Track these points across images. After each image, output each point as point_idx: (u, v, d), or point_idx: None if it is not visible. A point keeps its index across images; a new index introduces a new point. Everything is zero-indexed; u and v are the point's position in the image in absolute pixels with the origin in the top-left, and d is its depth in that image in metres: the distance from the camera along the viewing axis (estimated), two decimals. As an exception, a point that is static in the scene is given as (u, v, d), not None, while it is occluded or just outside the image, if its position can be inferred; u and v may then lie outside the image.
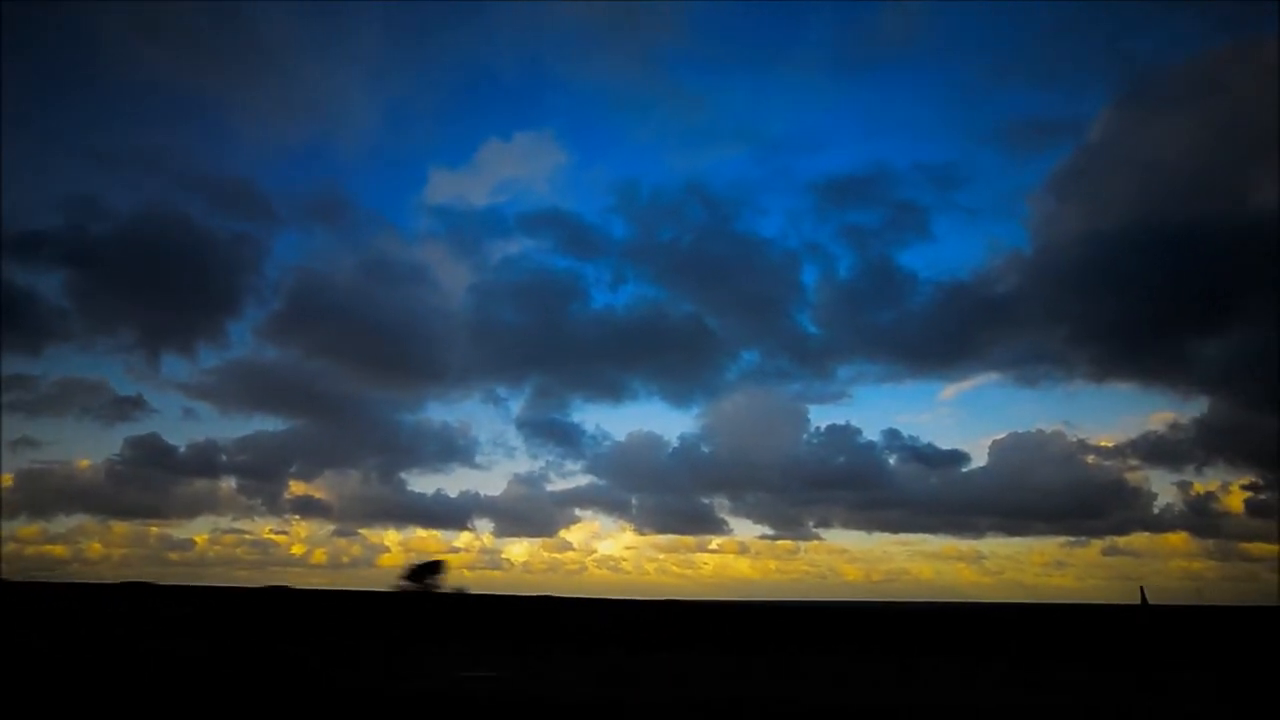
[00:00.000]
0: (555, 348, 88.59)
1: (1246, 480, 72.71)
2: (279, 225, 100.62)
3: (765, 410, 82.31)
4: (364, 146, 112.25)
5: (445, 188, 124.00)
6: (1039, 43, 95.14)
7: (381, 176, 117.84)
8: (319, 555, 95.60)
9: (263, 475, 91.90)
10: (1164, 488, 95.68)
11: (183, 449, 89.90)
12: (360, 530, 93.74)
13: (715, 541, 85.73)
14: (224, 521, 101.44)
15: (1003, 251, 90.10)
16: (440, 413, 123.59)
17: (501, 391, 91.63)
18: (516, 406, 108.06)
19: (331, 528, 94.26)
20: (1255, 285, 62.39)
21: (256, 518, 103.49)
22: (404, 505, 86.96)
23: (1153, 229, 65.10)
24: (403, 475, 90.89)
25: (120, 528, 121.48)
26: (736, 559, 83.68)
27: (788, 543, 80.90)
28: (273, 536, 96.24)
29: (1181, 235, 64.20)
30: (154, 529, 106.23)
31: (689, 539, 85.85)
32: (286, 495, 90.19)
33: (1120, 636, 31.20)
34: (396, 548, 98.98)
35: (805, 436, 79.08)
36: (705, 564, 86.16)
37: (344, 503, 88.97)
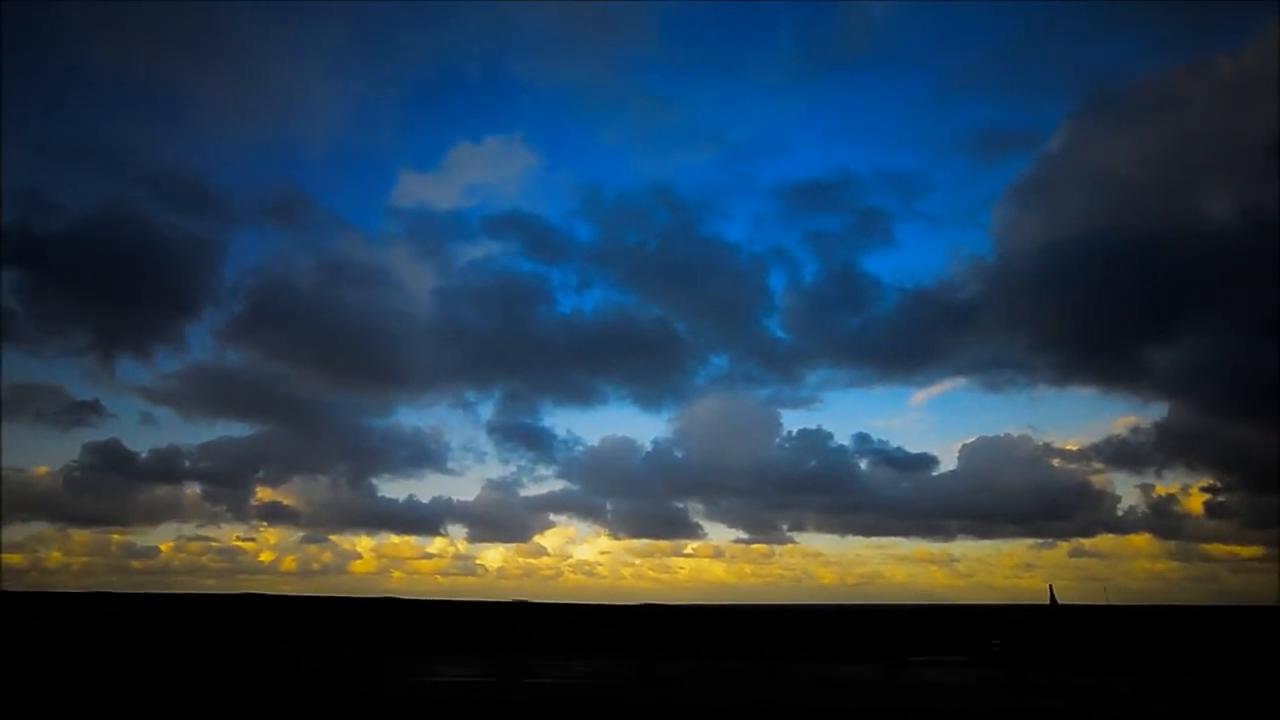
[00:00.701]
0: (523, 352, 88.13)
1: (1205, 483, 74.59)
2: (237, 225, 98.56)
3: (737, 415, 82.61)
4: (328, 147, 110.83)
5: (414, 190, 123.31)
6: (1000, 53, 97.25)
7: (347, 178, 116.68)
8: (289, 562, 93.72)
9: (228, 481, 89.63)
10: (1127, 490, 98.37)
11: (144, 455, 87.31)
12: (331, 536, 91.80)
13: (690, 546, 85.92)
14: (188, 529, 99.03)
15: (966, 259, 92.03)
16: (411, 418, 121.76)
17: (470, 396, 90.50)
18: (486, 411, 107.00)
19: (300, 534, 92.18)
20: (1207, 295, 64.47)
21: (222, 524, 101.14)
22: (375, 511, 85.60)
23: (1110, 239, 67.05)
24: (373, 481, 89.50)
25: (80, 536, 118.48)
26: (712, 563, 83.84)
27: (762, 546, 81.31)
28: (240, 543, 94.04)
29: (1138, 246, 66.25)
30: (116, 536, 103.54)
31: (664, 543, 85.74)
32: (253, 501, 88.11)
33: (1022, 636, 31.41)
34: (369, 554, 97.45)
35: (778, 441, 79.33)
36: (681, 568, 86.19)
37: (313, 509, 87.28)
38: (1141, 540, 71.55)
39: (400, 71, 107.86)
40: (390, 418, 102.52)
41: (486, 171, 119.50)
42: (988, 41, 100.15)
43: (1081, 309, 70.17)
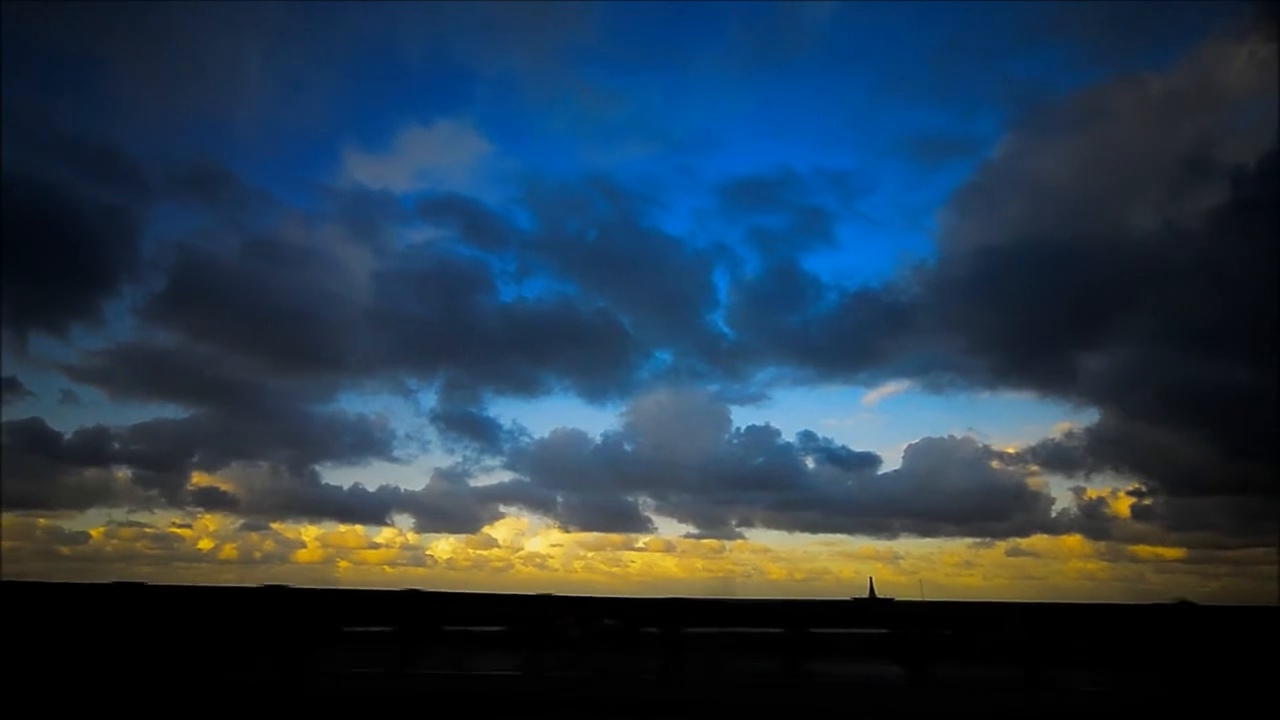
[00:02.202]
0: (464, 339, 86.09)
1: (1131, 487, 78.96)
2: (156, 198, 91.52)
3: (687, 410, 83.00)
4: (264, 124, 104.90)
5: (360, 171, 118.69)
6: (938, 60, 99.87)
7: (284, 156, 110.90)
8: (229, 550, 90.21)
9: (161, 465, 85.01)
10: (1061, 493, 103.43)
11: (69, 436, 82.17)
12: (272, 524, 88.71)
13: (642, 540, 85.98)
14: (119, 514, 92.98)
15: (911, 262, 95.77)
16: (355, 405, 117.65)
17: (411, 383, 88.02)
18: (428, 399, 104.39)
19: (240, 521, 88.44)
20: (1131, 304, 68.38)
21: (156, 510, 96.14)
22: (319, 499, 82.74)
23: (1046, 247, 70.28)
24: (316, 468, 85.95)
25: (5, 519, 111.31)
26: (664, 557, 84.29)
27: (713, 541, 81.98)
28: (177, 530, 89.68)
29: (1070, 255, 69.60)
30: (41, 520, 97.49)
31: (615, 537, 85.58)
32: (189, 486, 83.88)
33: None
34: (314, 543, 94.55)
35: (727, 437, 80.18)
36: (633, 562, 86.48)
37: (253, 495, 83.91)
38: (1074, 541, 75.43)
39: (344, 52, 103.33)
40: (333, 404, 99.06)
41: (435, 156, 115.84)
42: (925, 47, 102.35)
43: (1019, 316, 73.27)
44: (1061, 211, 74.98)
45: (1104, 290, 68.35)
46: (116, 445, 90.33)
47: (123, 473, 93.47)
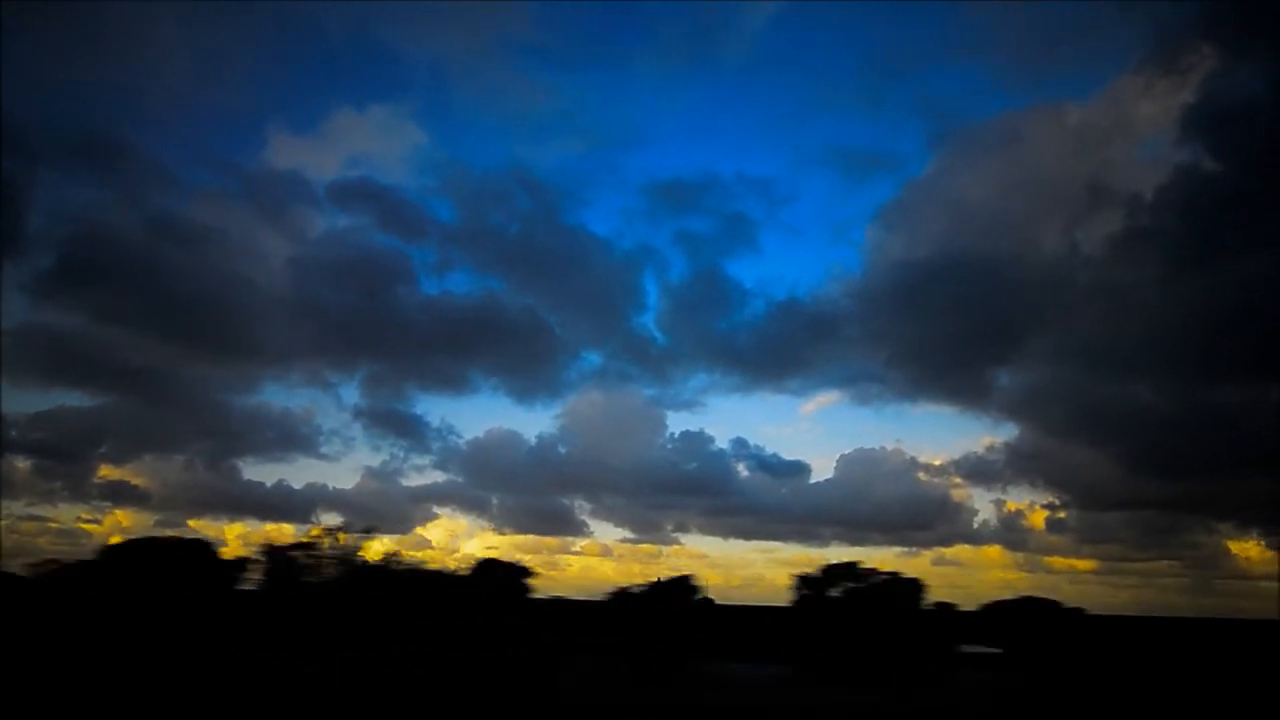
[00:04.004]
0: (386, 332, 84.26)
1: (1046, 500, 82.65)
2: (45, 167, 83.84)
3: (622, 414, 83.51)
4: (176, 99, 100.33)
5: (284, 153, 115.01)
6: (864, 76, 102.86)
7: (200, 132, 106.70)
8: None
9: (65, 456, 79.52)
10: (983, 505, 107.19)
11: (-44, 422, 75.41)
12: (188, 521, 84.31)
13: (579, 544, 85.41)
14: (17, 506, 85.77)
15: (840, 275, 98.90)
16: (280, 398, 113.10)
17: (332, 377, 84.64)
18: (350, 394, 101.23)
19: (154, 518, 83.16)
20: (1042, 324, 72.32)
21: (60, 503, 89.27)
22: (239, 495, 79.08)
23: (962, 266, 73.51)
24: (237, 463, 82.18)
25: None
26: (601, 561, 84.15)
27: (649, 546, 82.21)
28: (85, 525, 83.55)
29: (985, 273, 73.01)
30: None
31: (551, 540, 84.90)
32: (95, 479, 78.86)
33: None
34: (235, 541, 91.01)
35: (662, 442, 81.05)
36: (570, 565, 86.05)
37: (167, 490, 79.80)
38: (994, 551, 78.43)
39: (272, 31, 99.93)
40: (255, 396, 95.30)
41: (368, 142, 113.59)
42: (853, 61, 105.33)
43: (937, 331, 76.34)
44: (979, 230, 78.45)
45: (1016, 310, 72.00)
46: (14, 433, 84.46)
47: (21, 463, 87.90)
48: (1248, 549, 75.18)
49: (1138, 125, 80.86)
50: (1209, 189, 62.76)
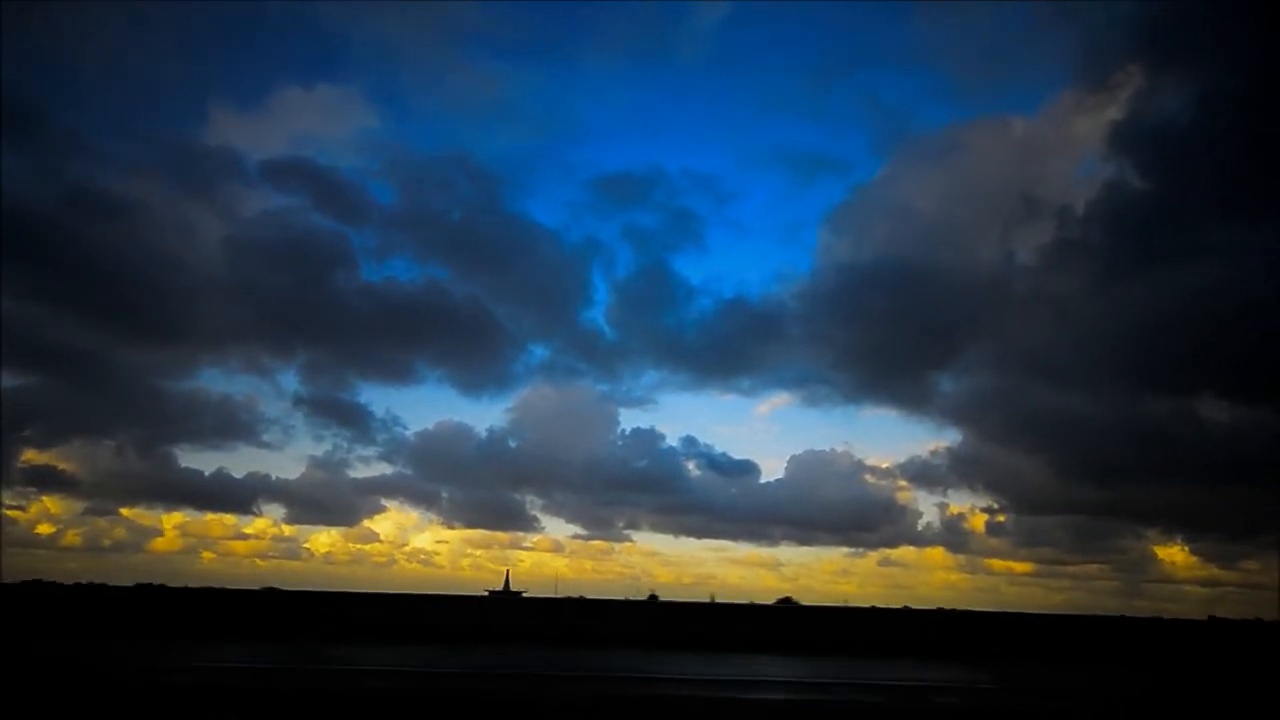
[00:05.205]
0: (325, 318, 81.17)
1: (985, 504, 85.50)
2: None
3: (574, 408, 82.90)
4: (102, 71, 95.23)
5: (226, 129, 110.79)
6: (815, 77, 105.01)
7: (130, 103, 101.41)
8: (72, 537, 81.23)
9: None
10: (927, 507, 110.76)
11: None
12: (122, 510, 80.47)
13: (530, 539, 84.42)
14: None
15: (783, 275, 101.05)
16: (219, 384, 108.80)
17: (270, 363, 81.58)
18: (289, 381, 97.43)
19: (83, 505, 79.24)
20: (980, 332, 75.01)
21: None
22: (175, 484, 75.40)
23: (905, 271, 75.24)
24: (173, 449, 78.38)
25: None
26: (553, 557, 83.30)
27: (601, 543, 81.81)
28: (10, 513, 78.96)
29: (927, 280, 74.99)
30: None
31: (502, 535, 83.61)
32: (18, 464, 74.07)
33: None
34: (172, 531, 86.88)
35: (612, 439, 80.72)
36: (522, 561, 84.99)
37: (97, 477, 75.62)
38: (937, 553, 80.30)
39: (213, 2, 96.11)
40: (192, 381, 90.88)
41: (315, 122, 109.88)
42: (802, 63, 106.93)
43: (892, 337, 78.06)
44: (923, 237, 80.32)
45: (957, 316, 74.13)
46: (-78, 412, 79.24)
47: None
48: (1173, 554, 78.74)
49: (1076, 141, 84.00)
50: (1134, 204, 65.51)
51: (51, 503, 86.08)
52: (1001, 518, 77.71)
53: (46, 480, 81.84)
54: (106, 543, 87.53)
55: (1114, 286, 69.94)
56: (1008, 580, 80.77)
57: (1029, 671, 19.17)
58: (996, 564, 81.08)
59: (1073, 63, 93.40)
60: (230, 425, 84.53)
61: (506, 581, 44.85)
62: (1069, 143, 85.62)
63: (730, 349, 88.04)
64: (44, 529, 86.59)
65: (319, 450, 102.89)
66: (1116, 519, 77.36)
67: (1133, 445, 67.05)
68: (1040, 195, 75.88)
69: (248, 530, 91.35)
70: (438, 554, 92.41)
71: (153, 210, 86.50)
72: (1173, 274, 65.46)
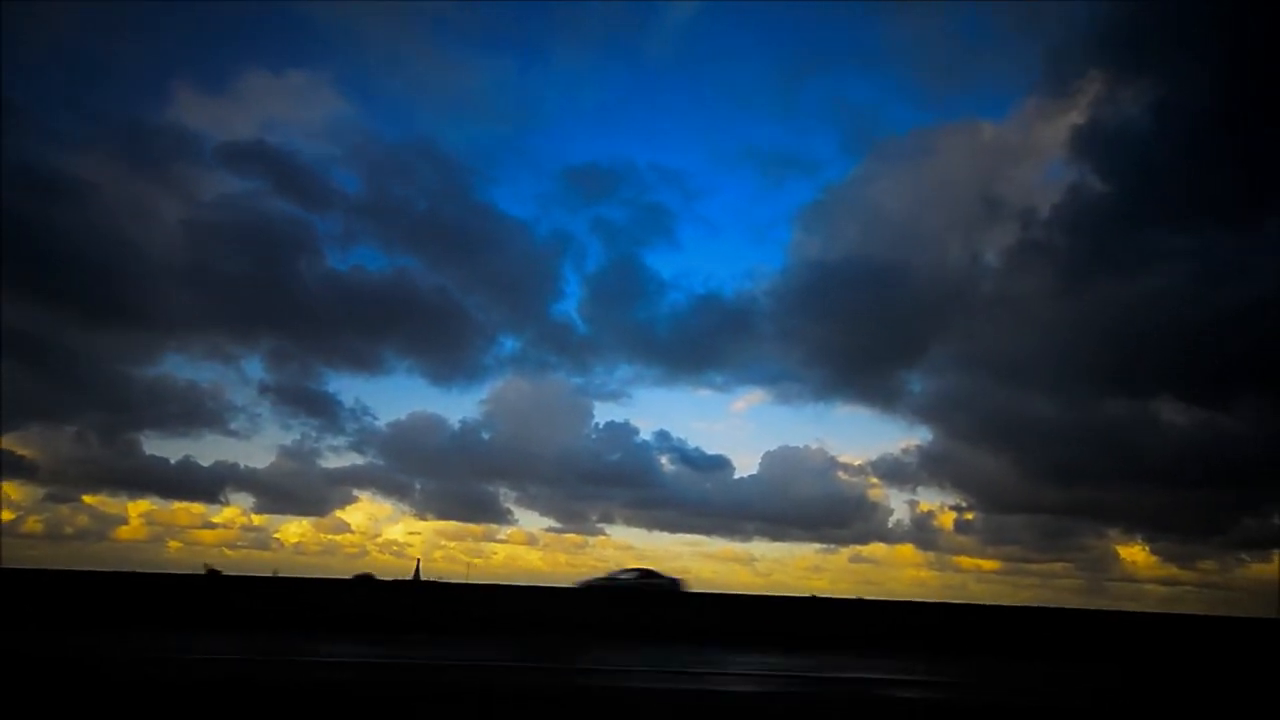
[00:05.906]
0: (289, 305, 79.29)
1: (953, 501, 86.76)
2: None
3: (548, 401, 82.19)
4: (57, 50, 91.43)
5: (191, 111, 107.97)
6: (785, 76, 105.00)
7: (84, 82, 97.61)
8: (33, 524, 78.87)
9: None
10: (898, 505, 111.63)
11: None
12: (84, 497, 78.14)
13: (504, 531, 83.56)
14: None
15: (755, 272, 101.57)
16: (185, 370, 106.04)
17: (235, 350, 79.42)
18: (254, 369, 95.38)
19: (43, 491, 76.76)
20: (947, 332, 75.98)
21: None
22: (140, 471, 73.30)
23: (874, 270, 75.91)
24: (138, 436, 76.10)
25: None
26: (527, 550, 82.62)
27: (575, 536, 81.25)
28: None
29: (896, 279, 75.71)
30: None
31: (475, 527, 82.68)
32: None
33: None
34: (138, 520, 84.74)
35: (587, 432, 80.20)
36: (495, 553, 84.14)
37: (58, 464, 73.29)
38: (907, 550, 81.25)
39: None
40: (157, 367, 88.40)
41: (283, 107, 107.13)
42: (773, 62, 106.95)
43: (863, 335, 78.66)
44: (893, 237, 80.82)
45: (926, 316, 74.91)
46: (-121, 397, 76.22)
47: (-114, 427, 79.32)
48: (1134, 553, 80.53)
49: (1042, 145, 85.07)
50: (1095, 207, 66.42)
51: (10, 488, 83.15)
52: (970, 516, 78.88)
53: (4, 465, 79.05)
54: (69, 530, 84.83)
55: (1076, 289, 71.15)
56: (975, 578, 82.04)
57: (986, 665, 19.21)
58: (965, 561, 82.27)
59: (1038, 68, 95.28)
60: (197, 412, 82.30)
61: (416, 571, 44.23)
62: (1035, 147, 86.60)
63: (703, 344, 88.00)
64: (5, 515, 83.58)
65: (288, 439, 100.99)
66: (1080, 519, 79.10)
67: (1095, 446, 68.36)
68: (1006, 198, 77.09)
69: (216, 519, 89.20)
70: (411, 545, 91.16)
71: (103, 190, 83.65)
72: (1132, 277, 66.81)
